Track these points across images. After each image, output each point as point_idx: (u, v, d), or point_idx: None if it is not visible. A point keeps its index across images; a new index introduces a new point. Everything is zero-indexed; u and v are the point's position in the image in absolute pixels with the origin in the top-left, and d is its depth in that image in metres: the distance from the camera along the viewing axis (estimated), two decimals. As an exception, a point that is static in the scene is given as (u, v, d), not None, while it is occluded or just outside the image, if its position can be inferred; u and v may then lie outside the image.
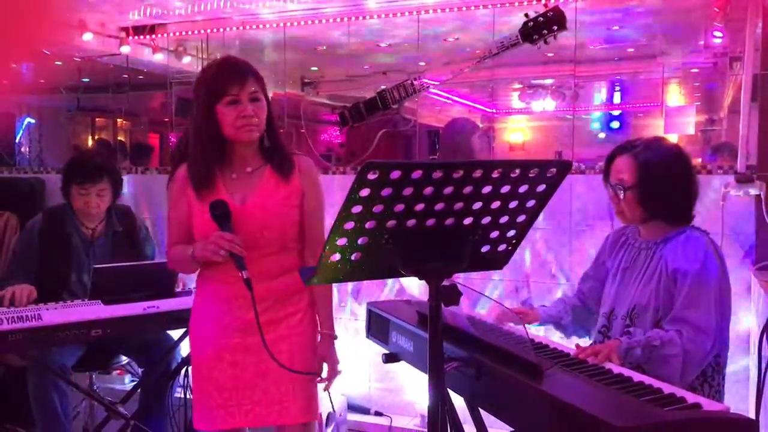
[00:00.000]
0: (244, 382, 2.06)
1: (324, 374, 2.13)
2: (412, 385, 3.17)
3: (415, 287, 3.41)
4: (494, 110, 9.08)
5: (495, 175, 1.34)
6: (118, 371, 3.63)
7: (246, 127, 1.96)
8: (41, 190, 4.29)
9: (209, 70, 2.02)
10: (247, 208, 2.00)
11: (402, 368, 2.21)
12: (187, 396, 3.04)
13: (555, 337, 2.33)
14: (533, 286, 3.35)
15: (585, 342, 2.20)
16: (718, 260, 2.01)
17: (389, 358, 2.14)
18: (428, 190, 1.31)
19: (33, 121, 9.92)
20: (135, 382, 3.34)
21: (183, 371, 2.98)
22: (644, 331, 2.01)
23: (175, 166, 2.11)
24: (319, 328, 2.14)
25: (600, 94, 8.94)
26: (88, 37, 5.00)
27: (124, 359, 3.17)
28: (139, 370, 3.24)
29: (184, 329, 2.87)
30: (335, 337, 2.15)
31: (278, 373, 2.01)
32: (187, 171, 2.04)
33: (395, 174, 1.25)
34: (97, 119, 10.22)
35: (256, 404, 2.06)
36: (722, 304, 1.99)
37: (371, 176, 1.24)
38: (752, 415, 1.76)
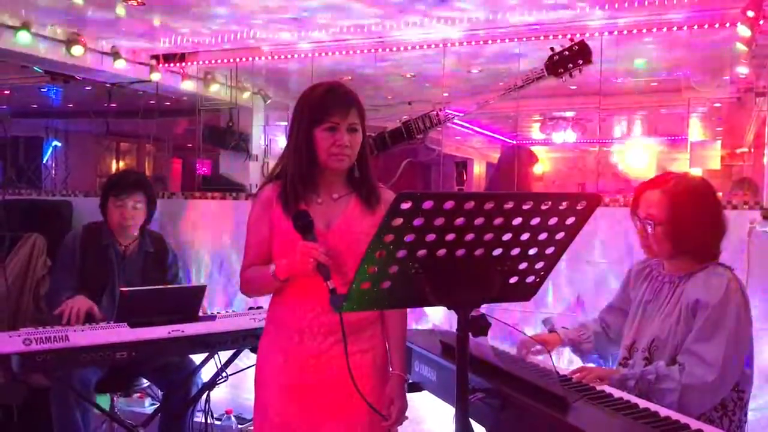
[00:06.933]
0: (310, 423, 1.95)
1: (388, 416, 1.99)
2: (434, 416, 3.14)
3: (436, 316, 3.40)
4: (515, 141, 9.11)
5: (526, 207, 1.36)
6: (138, 394, 3.64)
7: (338, 156, 1.94)
8: (68, 213, 4.35)
9: (315, 92, 1.99)
10: (330, 233, 1.95)
11: (424, 398, 2.20)
12: (209, 421, 3.05)
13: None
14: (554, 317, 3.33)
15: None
16: (739, 296, 1.99)
17: (412, 388, 2.14)
18: (459, 221, 1.32)
19: (59, 144, 10.10)
20: (155, 406, 3.35)
21: (204, 396, 3.00)
22: (664, 365, 2.00)
23: (261, 187, 2.09)
24: (391, 369, 2.03)
25: (622, 127, 8.91)
26: (120, 64, 5.10)
27: (145, 382, 3.19)
28: (160, 394, 3.25)
29: (207, 354, 2.89)
30: (407, 380, 2.05)
31: (348, 413, 1.94)
32: (280, 189, 2.00)
33: (428, 204, 1.27)
34: (121, 144, 10.41)
35: None
36: (740, 341, 1.96)
37: (404, 206, 1.26)
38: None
